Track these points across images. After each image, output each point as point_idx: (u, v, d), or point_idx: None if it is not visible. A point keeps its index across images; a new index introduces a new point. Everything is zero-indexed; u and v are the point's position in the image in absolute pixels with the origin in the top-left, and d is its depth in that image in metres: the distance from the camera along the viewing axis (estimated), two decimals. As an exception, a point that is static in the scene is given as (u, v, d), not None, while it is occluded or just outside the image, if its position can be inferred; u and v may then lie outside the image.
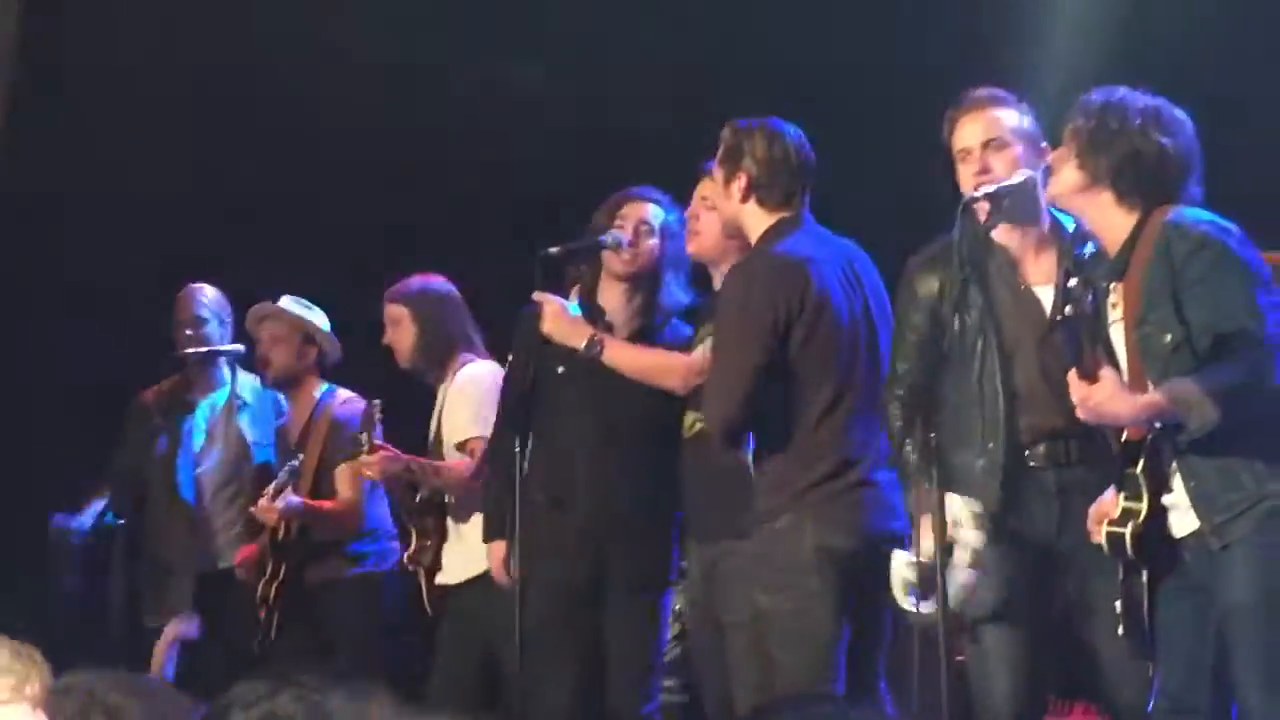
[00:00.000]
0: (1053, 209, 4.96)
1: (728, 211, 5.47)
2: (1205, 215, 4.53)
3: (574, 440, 5.90)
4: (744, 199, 5.42)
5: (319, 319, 7.10)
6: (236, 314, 7.31)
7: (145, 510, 7.30)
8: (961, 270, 4.83)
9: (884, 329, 5.38)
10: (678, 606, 6.17)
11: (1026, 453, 4.87)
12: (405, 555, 6.65)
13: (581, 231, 5.99)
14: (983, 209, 4.85)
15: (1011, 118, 4.95)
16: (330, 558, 6.97)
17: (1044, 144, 4.90)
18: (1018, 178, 4.84)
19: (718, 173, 5.44)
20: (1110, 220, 4.62)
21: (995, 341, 4.90)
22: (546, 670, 5.89)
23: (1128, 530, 4.55)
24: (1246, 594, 4.45)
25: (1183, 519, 4.53)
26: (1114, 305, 4.59)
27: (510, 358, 6.09)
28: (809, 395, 5.28)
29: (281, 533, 6.89)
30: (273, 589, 6.93)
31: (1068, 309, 4.52)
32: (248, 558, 7.00)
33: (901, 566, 4.90)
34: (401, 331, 6.60)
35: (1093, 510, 4.65)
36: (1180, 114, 4.64)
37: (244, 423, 7.44)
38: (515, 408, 5.91)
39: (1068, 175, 4.62)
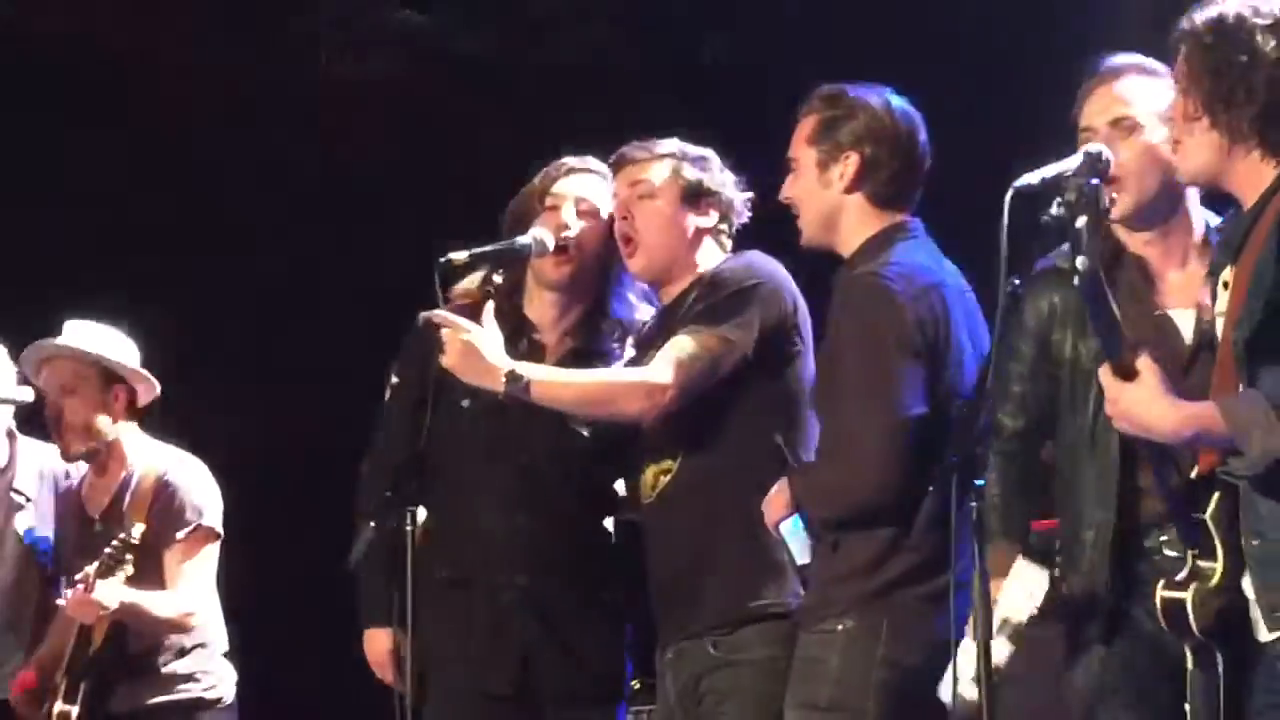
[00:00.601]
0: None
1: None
2: None
3: (482, 496, 5.44)
4: (851, 188, 4.94)
5: (123, 350, 6.36)
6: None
7: None
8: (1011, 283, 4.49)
9: None
10: None
11: (1156, 530, 4.59)
12: None
13: (498, 218, 5.53)
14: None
15: (1154, 93, 4.64)
16: (145, 676, 6.22)
17: None
18: (1075, 159, 4.50)
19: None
20: (1255, 183, 4.32)
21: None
22: None
23: (1189, 595, 4.29)
24: None
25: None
26: (1225, 287, 4.35)
27: (393, 380, 5.60)
28: (929, 463, 4.95)
29: (87, 639, 6.21)
30: (61, 708, 6.20)
31: (1079, 262, 4.21)
32: (27, 682, 6.27)
33: (967, 659, 4.71)
34: None
35: None
36: None
37: (24, 526, 6.61)
38: (400, 452, 5.40)
39: (1200, 142, 4.29)
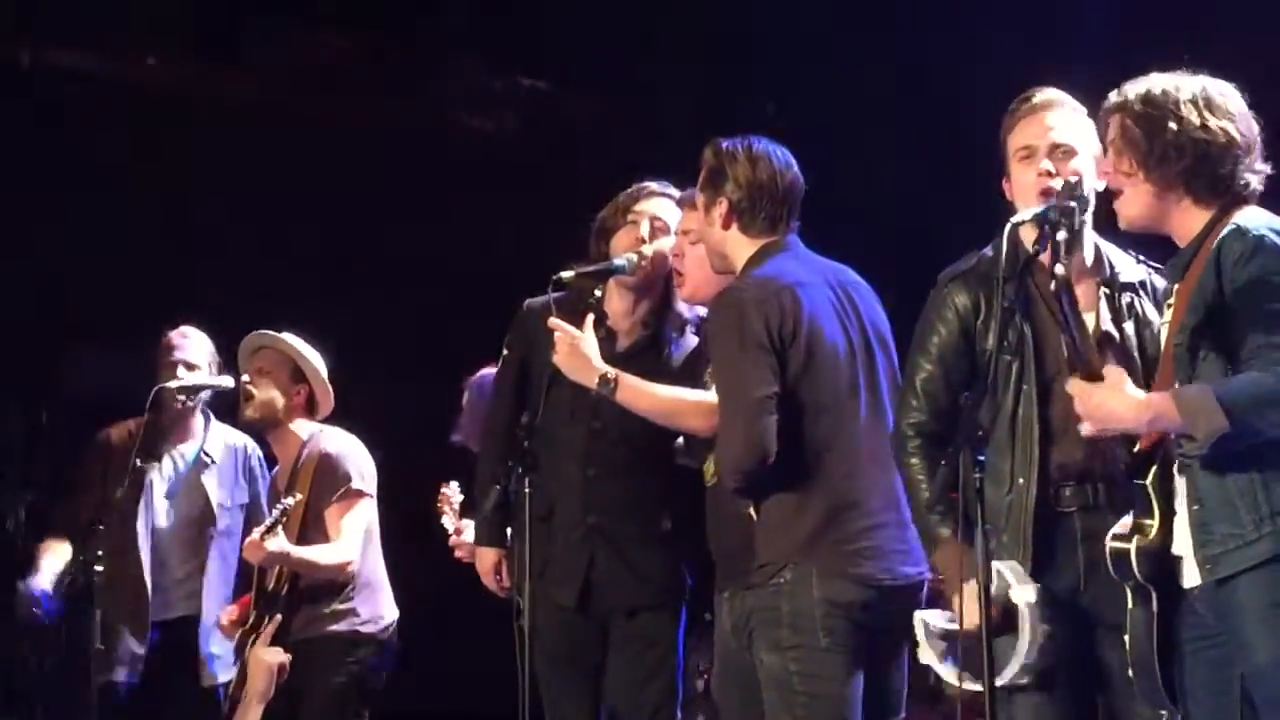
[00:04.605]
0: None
1: (710, 239, 5.49)
2: (1268, 219, 4.48)
3: (565, 451, 5.94)
4: (725, 225, 5.44)
5: (316, 360, 7.02)
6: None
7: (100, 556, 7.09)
8: (1006, 295, 4.68)
9: (883, 359, 5.40)
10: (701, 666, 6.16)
11: (1051, 491, 4.82)
12: None
13: (592, 227, 6.04)
14: (1030, 232, 4.74)
15: (1081, 126, 4.91)
16: (316, 611, 6.82)
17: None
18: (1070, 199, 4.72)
19: (699, 197, 5.49)
20: (1188, 224, 4.57)
21: (1034, 369, 4.84)
22: (555, 708, 5.97)
23: (1132, 546, 4.49)
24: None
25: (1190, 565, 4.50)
26: (1169, 306, 4.59)
27: (504, 353, 6.12)
28: (806, 431, 5.24)
29: (271, 582, 6.85)
30: (250, 640, 6.84)
31: (1058, 269, 4.41)
32: (238, 610, 7.02)
33: (933, 631, 4.94)
34: None
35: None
36: (1228, 89, 4.60)
37: (210, 483, 7.48)
38: (508, 410, 5.94)
39: (1137, 193, 4.56)
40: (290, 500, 6.71)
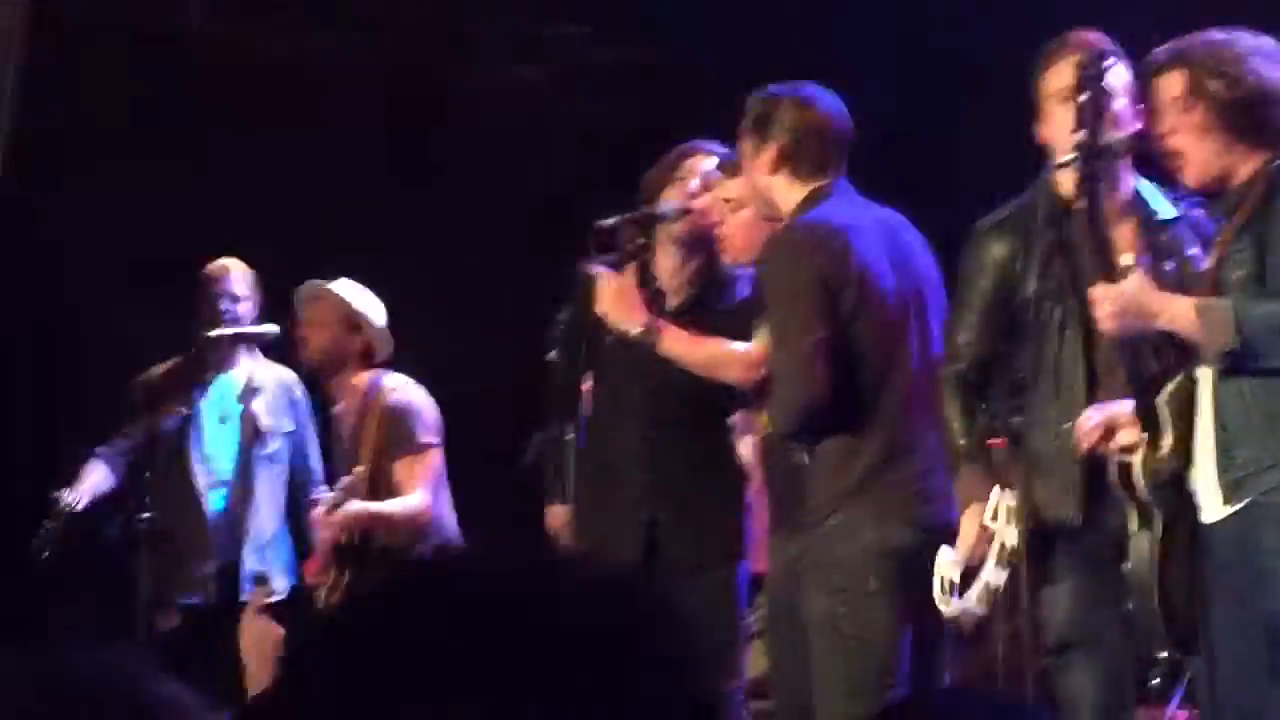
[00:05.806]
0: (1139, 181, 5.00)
1: (758, 185, 5.44)
2: None
3: (621, 408, 5.93)
4: (773, 170, 5.37)
5: (372, 308, 7.00)
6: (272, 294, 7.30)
7: (153, 493, 7.04)
8: (1045, 236, 4.84)
9: (934, 303, 5.38)
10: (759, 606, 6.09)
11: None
12: None
13: (635, 191, 5.97)
14: (1068, 177, 4.78)
15: (1118, 67, 4.87)
16: (387, 563, 6.90)
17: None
18: (1111, 138, 4.75)
19: (746, 143, 5.44)
20: (1242, 171, 4.62)
21: (1077, 311, 4.82)
22: None
23: (1137, 459, 4.51)
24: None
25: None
26: (1222, 242, 4.65)
27: (560, 317, 6.10)
28: (857, 376, 5.24)
29: (345, 539, 6.87)
30: (333, 599, 6.89)
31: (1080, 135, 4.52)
32: (316, 565, 7.00)
33: (946, 563, 5.00)
34: None
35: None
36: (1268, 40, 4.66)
37: (258, 408, 7.38)
38: (564, 374, 6.00)
39: (1210, 149, 4.59)
40: (351, 476, 6.80)
